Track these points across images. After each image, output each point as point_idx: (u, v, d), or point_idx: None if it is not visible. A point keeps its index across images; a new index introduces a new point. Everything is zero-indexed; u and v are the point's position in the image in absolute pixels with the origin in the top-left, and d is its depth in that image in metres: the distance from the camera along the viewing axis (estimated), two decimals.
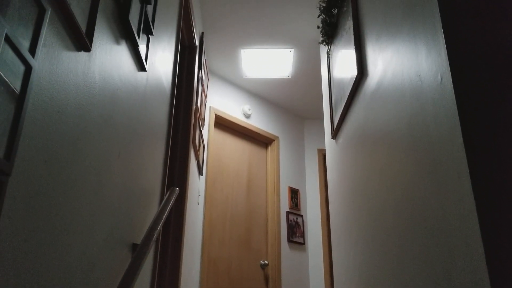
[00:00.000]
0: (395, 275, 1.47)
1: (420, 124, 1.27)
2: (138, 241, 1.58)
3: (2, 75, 0.67)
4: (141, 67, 1.63)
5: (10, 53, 0.69)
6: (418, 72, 1.29)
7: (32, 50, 0.78)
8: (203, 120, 3.64)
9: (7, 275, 0.73)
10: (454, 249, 1.03)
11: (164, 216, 1.61)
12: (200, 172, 3.61)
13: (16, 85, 0.72)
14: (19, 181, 0.76)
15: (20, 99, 0.73)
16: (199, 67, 3.26)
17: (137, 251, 1.35)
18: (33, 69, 0.76)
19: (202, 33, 3.53)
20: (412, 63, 1.35)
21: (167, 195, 1.81)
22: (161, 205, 1.70)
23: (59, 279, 0.93)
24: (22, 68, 0.74)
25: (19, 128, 0.73)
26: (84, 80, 1.07)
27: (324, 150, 4.93)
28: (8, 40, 0.68)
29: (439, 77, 1.13)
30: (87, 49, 1.07)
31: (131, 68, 1.51)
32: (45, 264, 0.87)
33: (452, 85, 1.06)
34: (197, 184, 3.47)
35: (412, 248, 1.31)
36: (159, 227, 1.53)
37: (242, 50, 3.94)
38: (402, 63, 1.44)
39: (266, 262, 4.07)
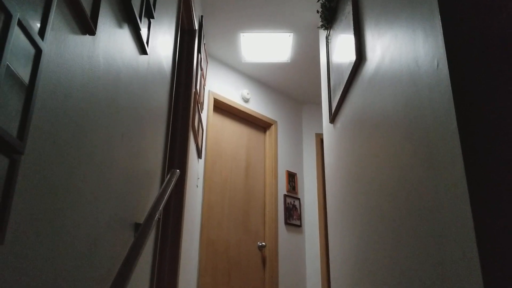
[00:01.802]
0: (390, 256, 1.52)
1: (416, 109, 1.30)
2: (140, 220, 1.63)
3: (15, 58, 0.70)
4: (142, 50, 1.65)
5: (22, 37, 0.72)
6: (415, 58, 1.32)
7: (41, 34, 0.80)
8: (202, 104, 3.66)
9: (20, 250, 0.77)
10: (446, 230, 1.08)
11: (166, 197, 1.66)
12: (199, 155, 3.65)
13: (28, 68, 0.75)
14: (31, 160, 0.80)
15: (31, 81, 0.76)
16: (198, 51, 3.27)
17: (140, 230, 1.39)
18: (43, 52, 0.79)
19: (202, 16, 3.53)
20: (409, 48, 1.37)
21: (168, 176, 1.85)
22: (162, 186, 1.73)
23: (67, 256, 0.97)
24: (33, 51, 0.76)
25: (30, 109, 0.76)
26: (89, 63, 1.09)
27: (321, 134, 4.97)
28: (20, 24, 0.70)
29: (436, 63, 1.16)
30: (92, 32, 1.09)
31: (133, 52, 1.53)
32: (54, 241, 0.91)
33: (448, 71, 1.09)
34: (196, 167, 3.51)
35: (407, 230, 1.36)
36: (161, 207, 1.57)
37: (241, 34, 3.94)
38: (400, 48, 1.47)
39: (263, 243, 4.14)
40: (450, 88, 1.07)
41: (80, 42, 1.04)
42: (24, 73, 0.74)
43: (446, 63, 1.10)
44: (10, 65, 0.68)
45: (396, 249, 1.45)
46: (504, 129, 1.02)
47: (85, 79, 1.07)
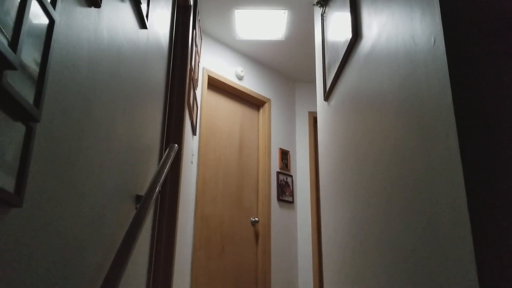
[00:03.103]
0: (382, 229, 1.59)
1: (412, 86, 1.34)
2: (141, 192, 1.67)
3: (32, 28, 0.72)
4: (142, 25, 1.66)
5: (37, 7, 0.74)
6: (412, 35, 1.35)
7: (53, 5, 0.82)
8: (197, 81, 3.67)
9: (36, 213, 0.80)
10: (439, 202, 1.13)
11: (166, 170, 1.69)
12: (194, 132, 3.67)
13: (42, 39, 0.77)
14: (44, 128, 0.82)
15: (45, 52, 0.78)
16: (193, 27, 3.26)
17: (143, 201, 1.43)
18: (55, 23, 0.81)
19: None
20: (406, 26, 1.40)
21: (167, 151, 1.89)
22: (162, 159, 1.77)
23: (75, 224, 1.01)
24: (46, 21, 0.78)
25: (45, 79, 0.78)
26: (94, 36, 1.11)
27: (314, 112, 5.01)
28: None
29: (432, 40, 1.20)
30: (97, 5, 1.10)
31: (134, 26, 1.54)
32: (65, 206, 0.94)
33: (444, 48, 1.12)
34: (191, 144, 3.55)
35: (400, 203, 1.41)
36: (162, 179, 1.61)
37: (236, 11, 3.92)
38: (397, 26, 1.50)
39: (256, 219, 4.22)
40: (447, 64, 1.11)
41: (86, 14, 1.05)
42: (39, 44, 0.76)
43: (443, 40, 1.13)
44: (28, 36, 0.70)
45: (388, 222, 1.51)
46: (498, 103, 1.07)
47: (91, 51, 1.09)
